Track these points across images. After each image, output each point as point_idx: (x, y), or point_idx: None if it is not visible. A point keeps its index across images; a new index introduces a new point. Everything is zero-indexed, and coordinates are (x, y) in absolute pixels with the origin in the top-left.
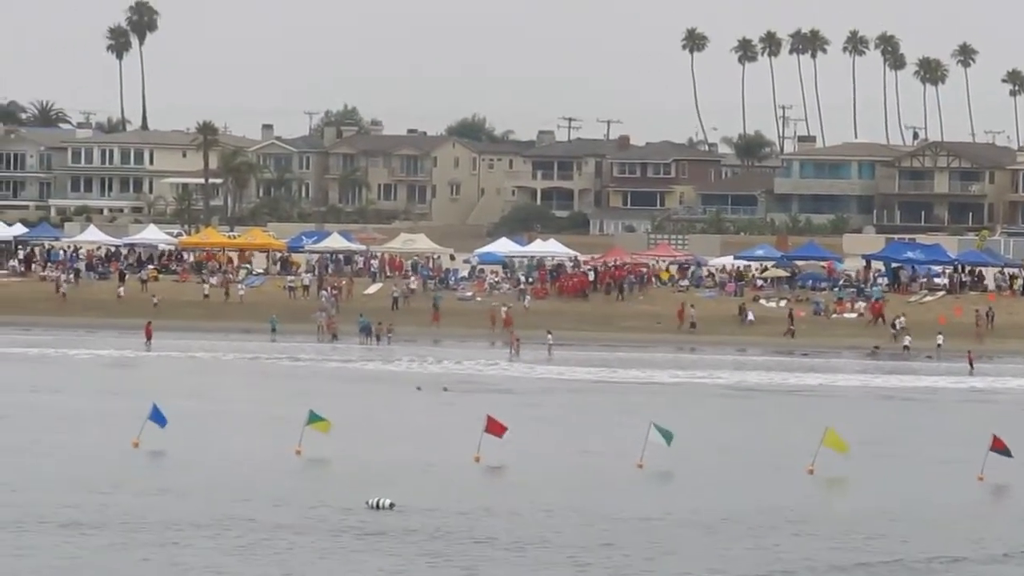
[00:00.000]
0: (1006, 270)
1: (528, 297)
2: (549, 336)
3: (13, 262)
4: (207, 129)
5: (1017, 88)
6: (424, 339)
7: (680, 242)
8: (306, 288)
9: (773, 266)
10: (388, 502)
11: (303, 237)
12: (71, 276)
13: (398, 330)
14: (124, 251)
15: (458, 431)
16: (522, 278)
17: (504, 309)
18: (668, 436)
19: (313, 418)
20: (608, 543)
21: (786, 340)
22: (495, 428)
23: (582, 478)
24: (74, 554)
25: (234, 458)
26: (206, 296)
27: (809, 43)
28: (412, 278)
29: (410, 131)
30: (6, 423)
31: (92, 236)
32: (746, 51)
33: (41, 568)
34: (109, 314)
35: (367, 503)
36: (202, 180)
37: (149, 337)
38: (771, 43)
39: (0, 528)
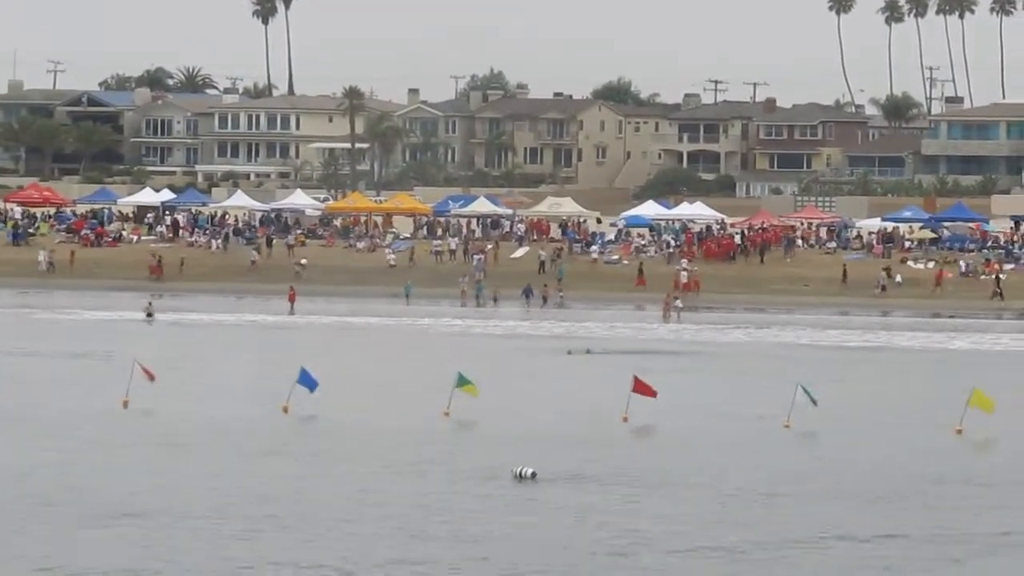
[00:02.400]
0: None
1: (684, 261)
2: (677, 301)
3: (161, 228)
4: (353, 94)
5: None
6: (577, 301)
7: (827, 204)
8: (452, 252)
9: (921, 228)
10: (530, 471)
11: (449, 201)
12: (220, 242)
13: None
14: (271, 216)
15: (605, 392)
16: (669, 241)
17: (685, 273)
18: (813, 398)
19: (462, 381)
20: (749, 499)
21: (995, 303)
22: (643, 389)
23: (730, 438)
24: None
25: (380, 422)
26: (392, 265)
27: (956, 3)
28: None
29: (556, 95)
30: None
31: (239, 201)
32: (892, 12)
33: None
34: (263, 279)
35: (512, 472)
36: (348, 145)
37: (292, 302)
38: (917, 4)
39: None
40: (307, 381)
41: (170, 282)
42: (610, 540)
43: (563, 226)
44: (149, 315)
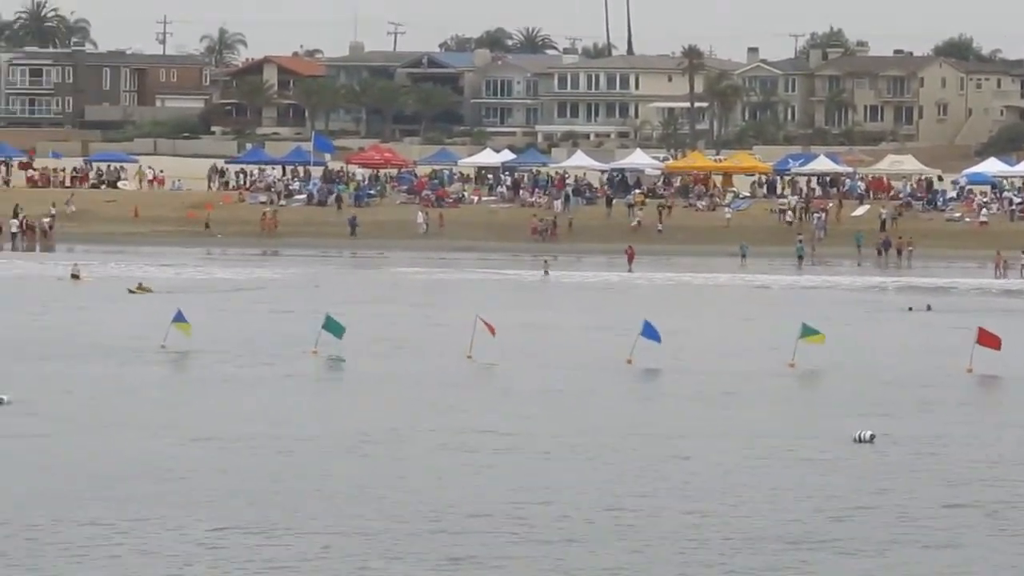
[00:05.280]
0: None
1: None
2: (1023, 255)
3: (501, 188)
4: (693, 53)
5: None
6: (919, 259)
7: None
8: (794, 211)
9: None
10: (869, 434)
11: (789, 160)
12: (560, 202)
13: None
14: (614, 176)
15: (946, 346)
16: (1011, 198)
17: None
18: None
19: (807, 332)
20: None
21: None
22: (988, 340)
23: None
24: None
25: (727, 372)
26: (789, 223)
27: None
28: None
29: (896, 52)
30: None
31: (579, 162)
32: None
33: None
34: (598, 239)
35: (854, 437)
36: (688, 104)
37: (631, 260)
38: None
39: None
40: (651, 334)
41: (564, 243)
42: None
43: (927, 183)
44: (545, 273)
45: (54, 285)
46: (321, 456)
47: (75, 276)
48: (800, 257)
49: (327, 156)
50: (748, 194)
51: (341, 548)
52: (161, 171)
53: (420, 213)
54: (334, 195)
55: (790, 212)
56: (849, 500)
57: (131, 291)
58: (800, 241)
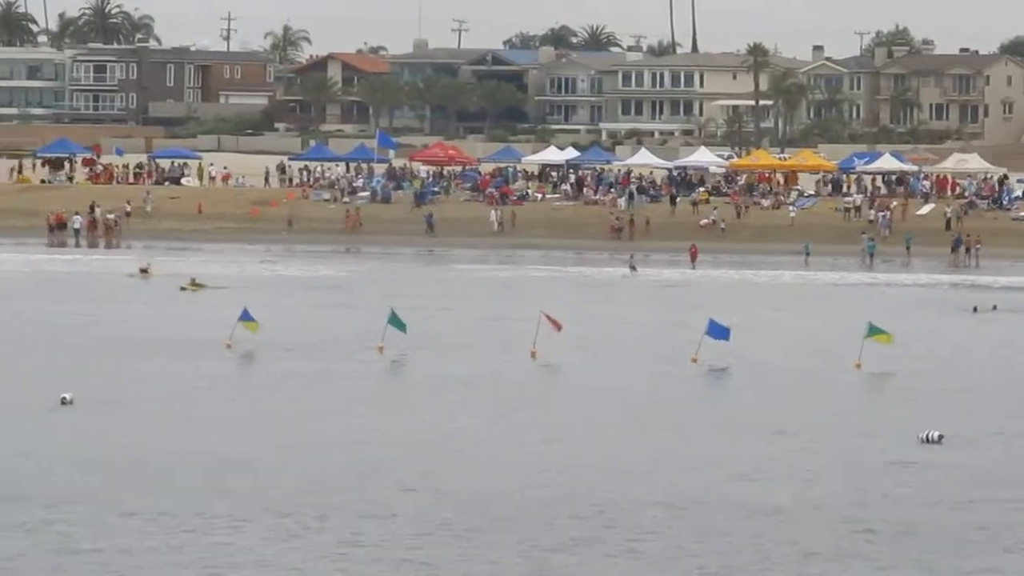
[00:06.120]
0: None
1: None
2: None
3: (565, 186)
4: (757, 51)
5: None
6: (985, 259)
7: None
8: (858, 209)
9: None
10: (937, 434)
11: (854, 158)
12: (624, 200)
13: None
14: (674, 174)
15: (1013, 346)
16: None
17: None
18: None
19: (873, 331)
20: None
21: None
22: None
23: None
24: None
25: (792, 370)
26: (871, 221)
27: None
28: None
29: (962, 50)
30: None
31: (643, 159)
32: None
33: None
34: (666, 237)
35: (919, 437)
36: (752, 102)
37: (694, 259)
38: None
39: None
40: (717, 332)
41: (638, 240)
42: None
43: (1001, 182)
44: (632, 268)
45: (122, 282)
46: (395, 452)
47: (143, 271)
48: (871, 255)
49: (390, 153)
50: (813, 192)
51: (434, 542)
52: (224, 168)
53: (493, 211)
54: (411, 192)
55: (870, 211)
56: (917, 499)
57: (183, 288)
58: (872, 239)
